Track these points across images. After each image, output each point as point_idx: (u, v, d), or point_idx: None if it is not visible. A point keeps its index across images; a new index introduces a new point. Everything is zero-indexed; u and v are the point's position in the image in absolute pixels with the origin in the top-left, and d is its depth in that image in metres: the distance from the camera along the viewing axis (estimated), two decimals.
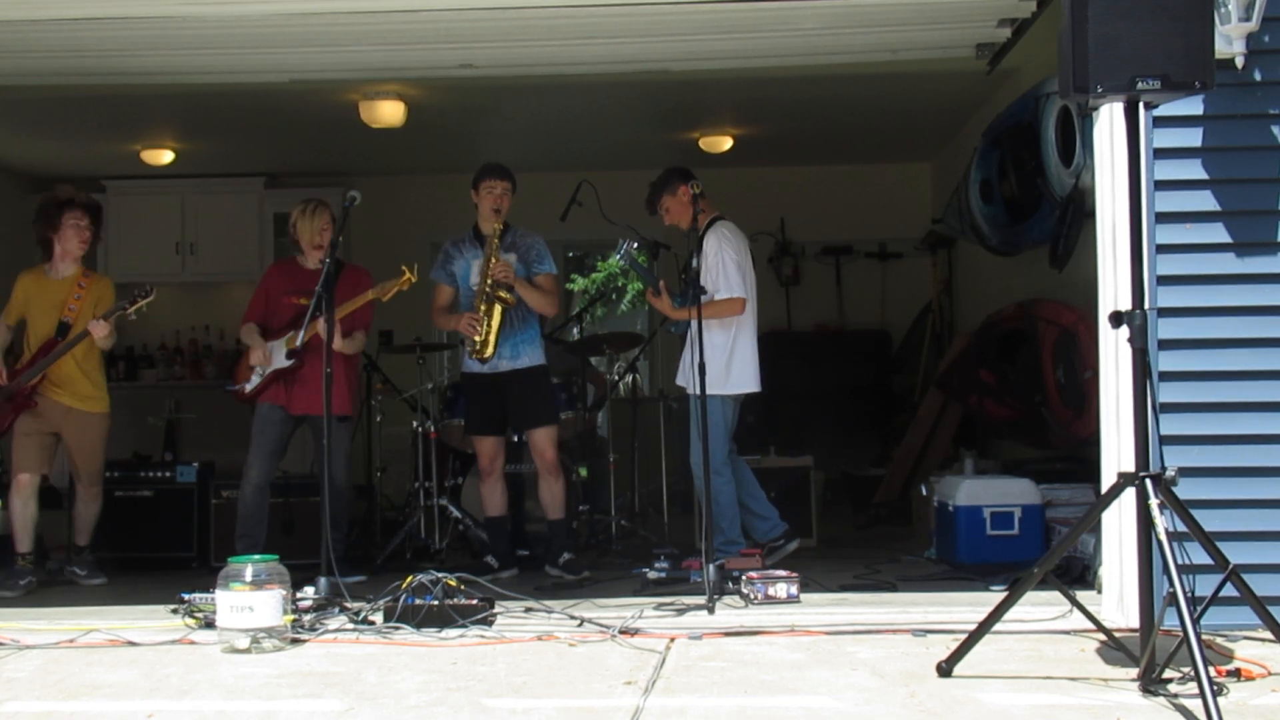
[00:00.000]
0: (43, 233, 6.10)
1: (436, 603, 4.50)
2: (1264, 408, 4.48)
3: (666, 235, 7.75)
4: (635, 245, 5.71)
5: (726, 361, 5.82)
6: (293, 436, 6.18)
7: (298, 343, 5.56)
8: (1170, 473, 3.53)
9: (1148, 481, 3.52)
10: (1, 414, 5.89)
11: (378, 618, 4.56)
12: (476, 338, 5.94)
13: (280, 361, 5.98)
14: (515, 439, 6.33)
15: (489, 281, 5.91)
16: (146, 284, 5.96)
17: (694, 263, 5.48)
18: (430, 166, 9.84)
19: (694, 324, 5.36)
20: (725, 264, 5.82)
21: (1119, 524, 4.44)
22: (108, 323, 5.84)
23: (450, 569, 4.98)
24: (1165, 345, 4.45)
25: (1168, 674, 3.46)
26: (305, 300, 5.98)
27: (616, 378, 7.83)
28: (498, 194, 6.01)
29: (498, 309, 5.92)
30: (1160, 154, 4.48)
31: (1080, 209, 5.78)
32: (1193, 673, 3.19)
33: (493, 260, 5.93)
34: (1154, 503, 3.48)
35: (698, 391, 5.44)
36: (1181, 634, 3.29)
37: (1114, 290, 4.48)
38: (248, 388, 6.07)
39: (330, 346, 5.27)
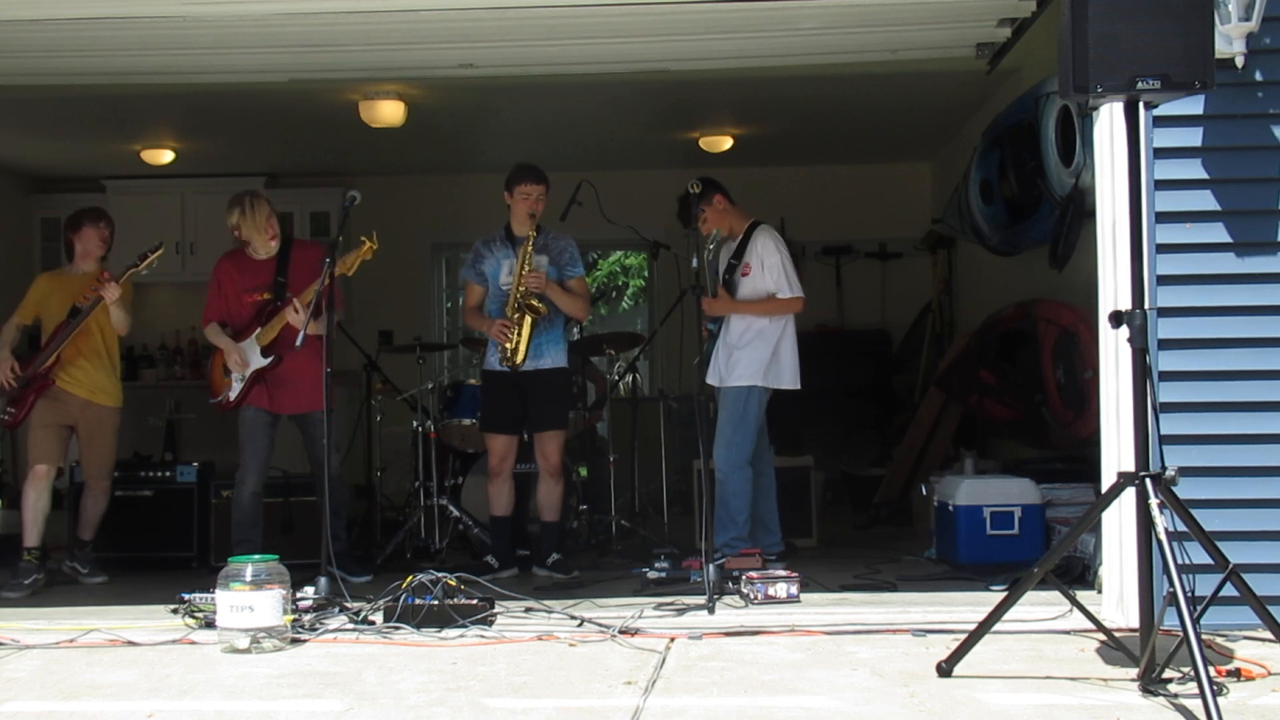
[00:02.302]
0: (66, 236, 6.27)
1: (436, 603, 4.50)
2: (1264, 408, 4.48)
3: (666, 235, 7.77)
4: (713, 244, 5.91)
5: (771, 355, 6.01)
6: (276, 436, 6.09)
7: (259, 343, 5.53)
8: (1170, 472, 3.53)
9: (1148, 481, 3.52)
10: (22, 400, 5.93)
11: (378, 618, 4.55)
12: (508, 345, 5.92)
13: (258, 361, 5.87)
14: (522, 439, 6.30)
15: (520, 290, 5.90)
16: (155, 240, 6.06)
17: (693, 261, 5.52)
18: (430, 166, 9.85)
19: (727, 320, 5.64)
20: (785, 265, 6.08)
21: (1119, 524, 4.45)
22: (118, 285, 5.88)
23: (450, 569, 4.98)
24: (1165, 345, 4.45)
25: (1168, 674, 3.47)
26: (266, 296, 5.94)
27: (616, 378, 7.82)
28: (533, 199, 5.95)
29: (528, 319, 5.89)
30: (1160, 154, 4.48)
31: (1080, 209, 5.78)
32: (1193, 673, 3.19)
33: (525, 269, 5.90)
34: (1154, 502, 3.48)
35: (729, 383, 5.85)
36: (1181, 634, 3.29)
37: (1114, 290, 4.48)
38: (231, 396, 5.94)
39: (329, 342, 5.24)
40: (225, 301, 6.04)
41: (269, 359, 5.86)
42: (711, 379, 6.06)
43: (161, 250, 6.04)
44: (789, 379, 6.08)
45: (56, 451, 6.02)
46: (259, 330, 5.89)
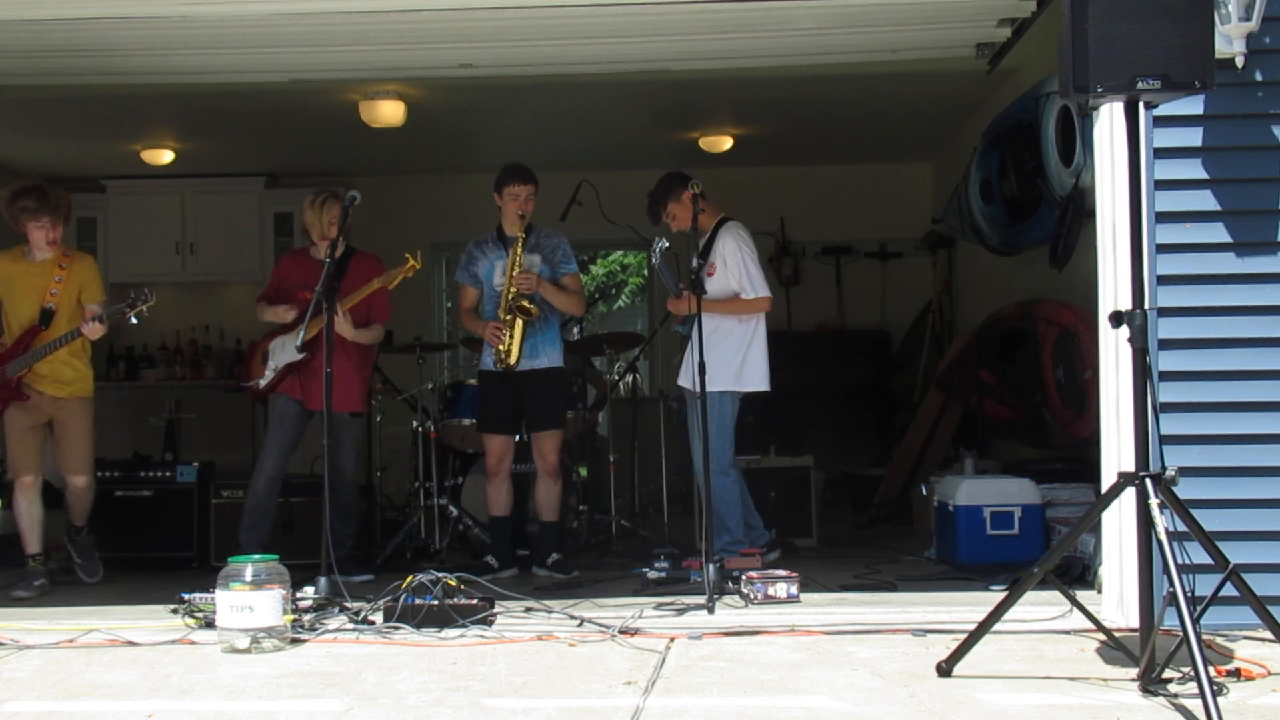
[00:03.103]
0: (9, 226, 5.88)
1: (436, 603, 4.50)
2: (1264, 408, 4.48)
3: (666, 235, 7.77)
4: (667, 245, 5.57)
5: (742, 359, 5.90)
6: (306, 430, 6.15)
7: (299, 339, 5.58)
8: (1170, 472, 3.53)
9: (1148, 481, 3.52)
10: None
11: (378, 618, 4.55)
12: (500, 347, 5.92)
13: (291, 355, 5.95)
14: (520, 438, 6.30)
15: (512, 291, 5.89)
16: (145, 288, 5.77)
17: (694, 261, 5.47)
18: (430, 166, 9.85)
19: (696, 323, 5.38)
20: (747, 264, 5.92)
21: (1119, 524, 4.45)
22: (103, 325, 5.70)
23: (450, 569, 4.98)
24: (1165, 345, 4.45)
25: (1168, 674, 3.47)
26: (313, 294, 6.00)
27: (616, 378, 7.82)
28: (522, 200, 5.94)
29: (520, 321, 5.89)
30: (1160, 154, 4.48)
31: (1080, 209, 5.78)
32: (1193, 673, 3.19)
33: (515, 271, 5.90)
34: (1154, 502, 3.48)
35: (712, 387, 5.55)
36: (1181, 634, 3.29)
37: (1114, 290, 4.48)
38: (262, 383, 6.08)
39: (330, 342, 5.25)
40: (279, 294, 6.17)
41: (301, 354, 5.87)
42: (683, 381, 5.93)
43: (153, 301, 5.68)
44: (759, 381, 5.96)
45: (38, 458, 5.86)
46: (299, 328, 5.90)
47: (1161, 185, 4.48)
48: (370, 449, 7.69)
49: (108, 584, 6.06)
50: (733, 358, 5.88)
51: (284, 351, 6.04)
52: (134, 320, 5.72)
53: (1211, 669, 3.24)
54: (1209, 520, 3.73)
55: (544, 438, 6.04)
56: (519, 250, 5.91)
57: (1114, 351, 4.48)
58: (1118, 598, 4.46)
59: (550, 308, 6.05)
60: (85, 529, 6.08)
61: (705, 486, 5.33)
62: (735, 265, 5.90)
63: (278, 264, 6.38)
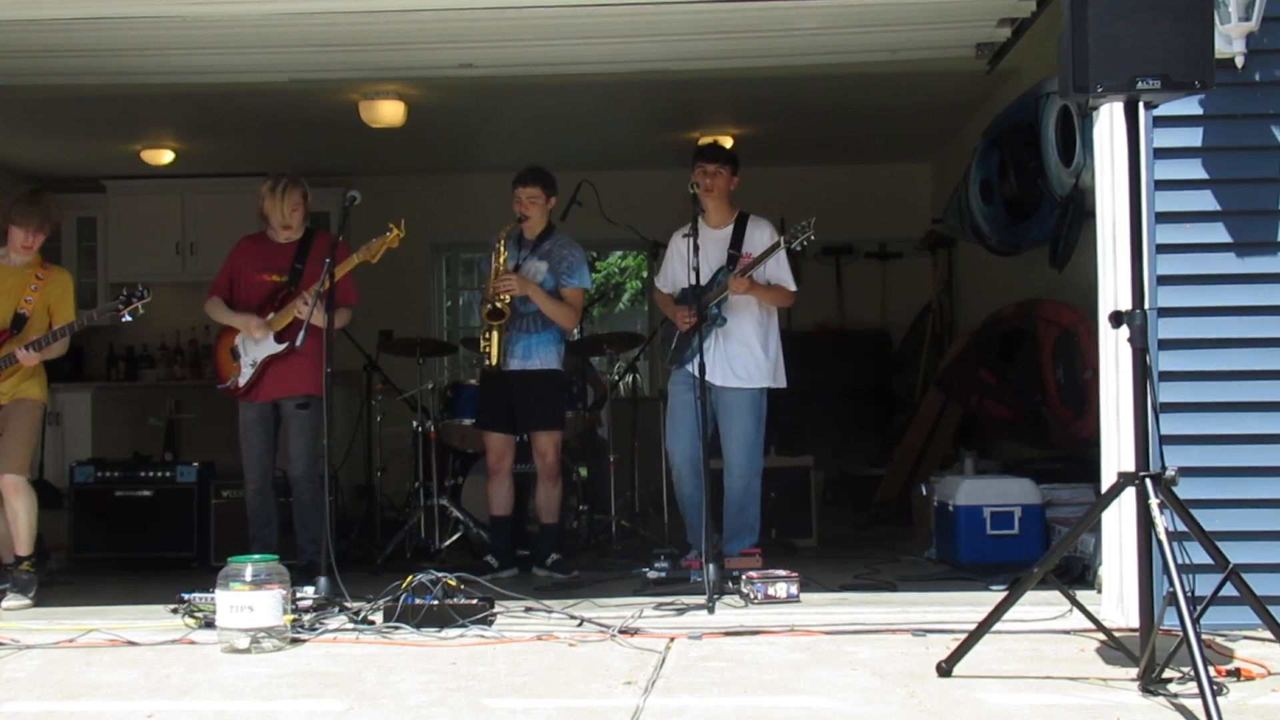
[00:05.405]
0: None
1: (436, 603, 4.49)
2: (1264, 408, 4.48)
3: (667, 235, 7.77)
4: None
5: (777, 354, 5.92)
6: (276, 424, 5.93)
7: (269, 332, 5.45)
8: (1170, 472, 3.53)
9: (1148, 481, 3.52)
10: None
11: (378, 617, 4.55)
12: (481, 349, 5.97)
13: (272, 347, 5.76)
14: (521, 438, 6.30)
15: (490, 292, 5.92)
16: (140, 285, 5.48)
17: (695, 258, 5.43)
18: (430, 166, 9.85)
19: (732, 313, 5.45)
20: (783, 259, 5.91)
21: (1119, 524, 4.45)
22: (38, 353, 5.36)
23: (450, 569, 4.98)
24: (1165, 345, 4.45)
25: (1167, 674, 3.47)
26: (277, 278, 5.83)
27: (617, 378, 7.82)
28: (522, 201, 5.97)
29: (495, 329, 5.90)
30: (1160, 154, 4.48)
31: (1080, 209, 5.78)
32: (1193, 672, 3.19)
33: (495, 271, 5.93)
34: (1154, 502, 3.49)
35: (735, 384, 5.68)
36: (1181, 634, 3.29)
37: (1114, 290, 4.48)
38: (241, 381, 5.82)
39: (326, 329, 5.20)
40: (233, 279, 5.93)
41: (283, 345, 5.72)
42: (714, 378, 5.67)
43: (149, 299, 5.42)
44: (783, 377, 5.97)
45: None
46: (272, 315, 5.78)
47: (1161, 185, 4.48)
48: (370, 449, 7.68)
49: (108, 584, 6.05)
50: (772, 353, 5.87)
51: (259, 345, 5.78)
52: (128, 318, 5.43)
53: (1211, 669, 3.24)
54: (1209, 520, 3.73)
55: (538, 438, 6.04)
56: (502, 252, 5.95)
57: (1114, 351, 4.48)
58: (1118, 597, 4.46)
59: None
60: (30, 560, 5.41)
61: (705, 481, 5.34)
62: (780, 256, 5.86)
63: (234, 249, 5.98)
